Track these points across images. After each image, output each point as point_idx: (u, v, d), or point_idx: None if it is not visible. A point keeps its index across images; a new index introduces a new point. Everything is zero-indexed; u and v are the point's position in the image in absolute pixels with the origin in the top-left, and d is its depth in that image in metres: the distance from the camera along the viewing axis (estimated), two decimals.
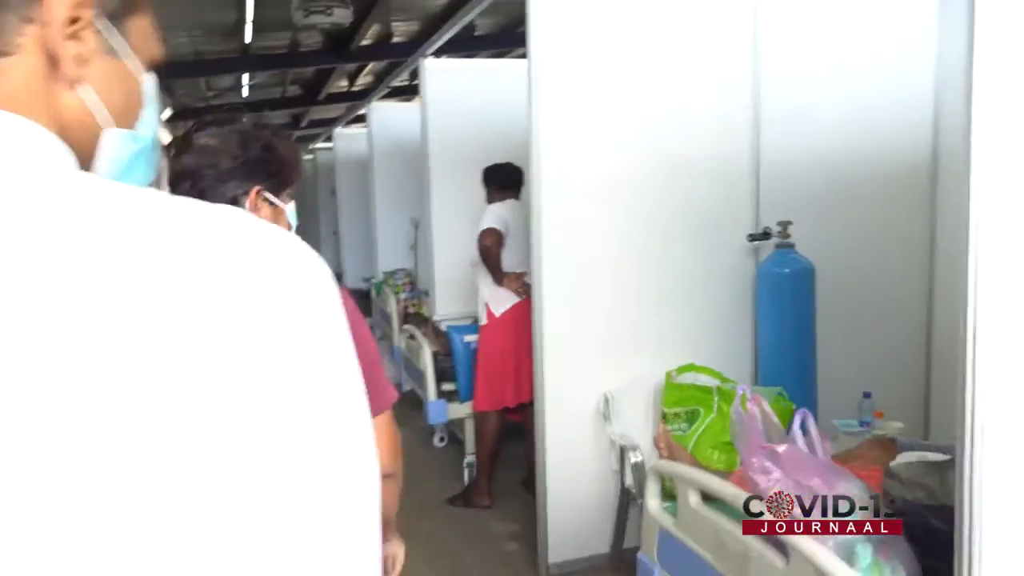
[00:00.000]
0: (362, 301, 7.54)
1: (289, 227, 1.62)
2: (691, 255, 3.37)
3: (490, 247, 3.82)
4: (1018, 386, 1.44)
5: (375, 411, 1.26)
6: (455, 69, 4.98)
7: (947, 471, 1.50)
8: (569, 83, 3.15)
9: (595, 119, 3.20)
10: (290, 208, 1.80)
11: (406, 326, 4.86)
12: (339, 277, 8.41)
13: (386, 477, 1.36)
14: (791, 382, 3.18)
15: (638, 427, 3.17)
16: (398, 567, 1.58)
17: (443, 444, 5.07)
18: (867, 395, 3.12)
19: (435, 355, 4.42)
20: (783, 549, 1.60)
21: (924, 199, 3.58)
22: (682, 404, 2.98)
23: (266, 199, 1.65)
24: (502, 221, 3.87)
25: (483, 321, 3.96)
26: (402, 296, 6.20)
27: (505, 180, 4.01)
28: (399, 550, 1.59)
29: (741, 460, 1.76)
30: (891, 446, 2.26)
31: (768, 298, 3.28)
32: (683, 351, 3.31)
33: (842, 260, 3.50)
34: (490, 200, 4.04)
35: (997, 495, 1.43)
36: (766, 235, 3.31)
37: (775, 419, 1.89)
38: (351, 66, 9.41)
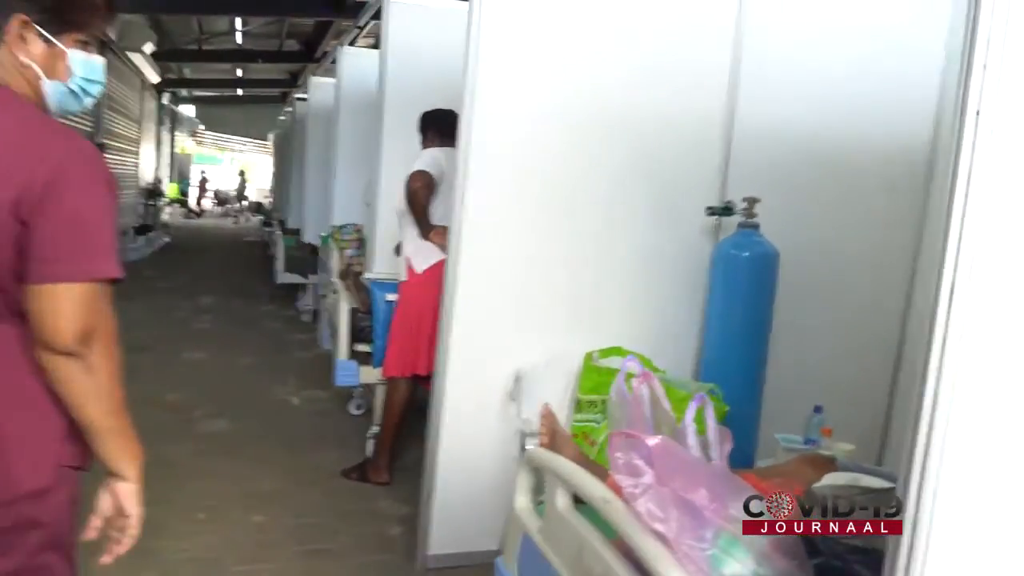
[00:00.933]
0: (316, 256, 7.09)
1: (70, 74, 1.38)
2: (641, 225, 2.91)
3: (417, 191, 3.35)
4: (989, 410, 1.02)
5: (72, 274, 1.21)
6: (422, 8, 4.44)
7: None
8: (516, 17, 2.68)
9: (541, 58, 2.73)
10: (78, 57, 1.43)
11: (333, 280, 4.38)
12: (297, 232, 7.98)
13: (67, 356, 1.23)
14: (733, 382, 2.73)
15: None
16: (131, 523, 1.37)
17: (359, 412, 4.60)
18: (818, 409, 2.67)
19: (354, 312, 3.96)
20: None
21: (916, 195, 3.12)
22: (599, 391, 2.52)
23: (39, 33, 1.36)
24: (436, 165, 3.40)
25: (403, 277, 3.49)
26: (347, 252, 5.71)
27: (446, 127, 3.49)
28: (127, 498, 1.35)
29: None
30: (827, 466, 1.81)
31: (722, 283, 2.82)
32: (616, 332, 2.85)
33: (812, 251, 3.04)
34: (426, 147, 3.57)
35: (945, 541, 0.99)
36: (728, 210, 2.85)
37: (668, 407, 1.42)
38: (348, 24, 8.89)
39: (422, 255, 3.40)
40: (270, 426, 4.34)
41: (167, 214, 20.15)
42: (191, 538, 2.94)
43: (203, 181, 23.84)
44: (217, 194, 25.91)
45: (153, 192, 16.27)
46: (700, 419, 1.27)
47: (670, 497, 1.09)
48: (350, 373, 3.85)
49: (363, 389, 4.47)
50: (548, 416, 1.79)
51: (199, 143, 29.95)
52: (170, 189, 21.90)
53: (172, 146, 22.64)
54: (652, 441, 1.13)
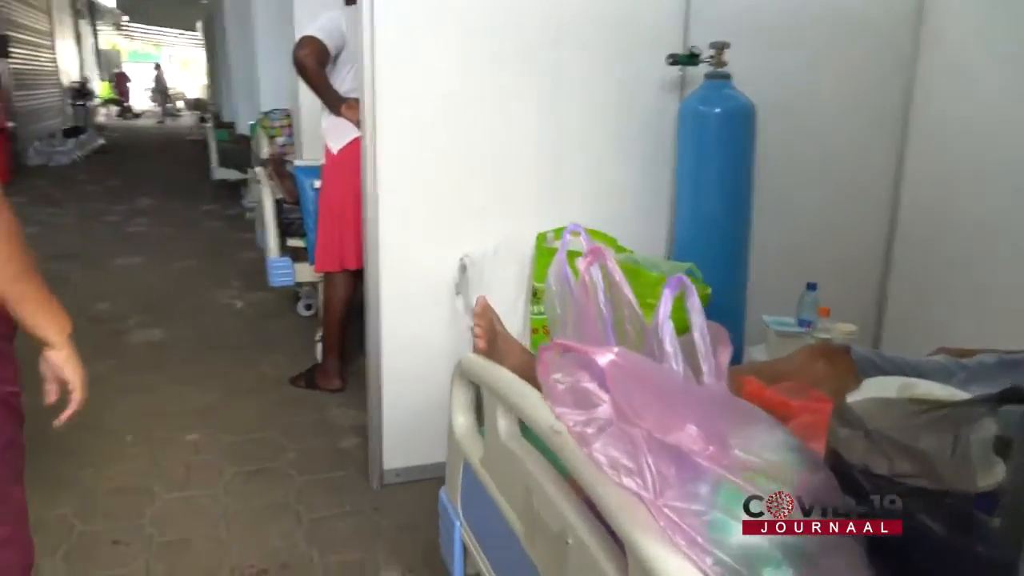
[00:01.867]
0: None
1: None
2: (594, 81, 2.52)
3: (303, 60, 2.86)
4: None
5: None
6: None
7: (968, 425, 0.76)
8: None
9: None
10: None
11: (257, 169, 3.94)
12: (232, 125, 7.35)
13: None
14: (712, 261, 2.43)
15: (505, 304, 2.40)
16: (73, 387, 1.36)
17: (310, 313, 4.27)
18: (811, 286, 2.40)
19: (280, 203, 3.55)
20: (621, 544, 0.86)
21: (904, 40, 2.74)
22: None
23: None
24: (332, 30, 2.88)
25: (321, 160, 3.08)
26: (279, 140, 5.21)
27: None
28: (61, 365, 1.33)
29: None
30: (841, 357, 1.52)
31: (692, 146, 2.47)
32: (575, 211, 2.51)
33: (792, 105, 2.70)
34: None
35: None
36: (693, 58, 2.46)
37: (632, 298, 1.08)
38: None
39: (335, 132, 2.98)
40: (210, 334, 4.00)
41: (102, 115, 18.97)
42: (116, 464, 2.64)
43: (120, 76, 22.13)
44: (161, 92, 24.46)
45: (81, 92, 15.14)
46: (680, 313, 0.95)
47: (642, 439, 0.78)
48: (284, 271, 3.49)
49: (309, 288, 4.13)
50: (484, 312, 1.45)
51: (129, 38, 28.01)
52: (102, 88, 20.54)
53: (96, 41, 21.06)
54: (604, 358, 0.81)
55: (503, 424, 1.24)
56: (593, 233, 2.36)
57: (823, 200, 2.83)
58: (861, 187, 2.84)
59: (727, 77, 2.44)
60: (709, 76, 2.46)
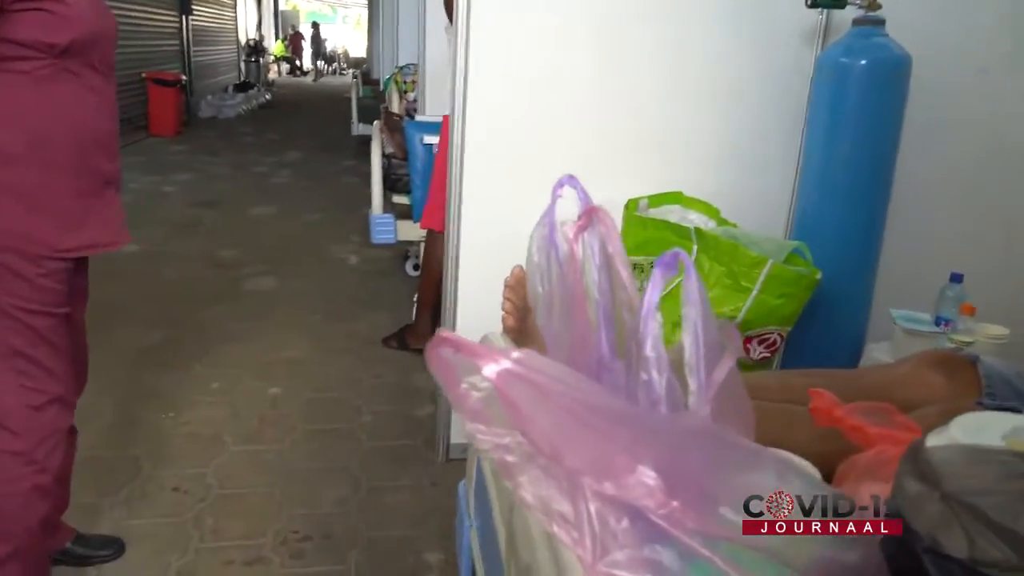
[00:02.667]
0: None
1: None
2: (717, 27, 2.17)
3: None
4: None
5: None
6: None
7: None
8: None
9: None
10: None
11: (375, 123, 3.84)
12: (377, 82, 7.45)
13: None
14: (838, 240, 2.06)
15: None
16: None
17: (417, 273, 4.17)
18: (956, 277, 1.97)
19: (389, 158, 3.43)
20: None
21: None
22: (645, 251, 1.92)
23: None
24: None
25: (440, 116, 2.90)
26: (410, 95, 5.15)
27: None
28: None
29: None
30: (964, 370, 1.16)
31: (828, 104, 2.09)
32: (678, 175, 2.20)
33: (959, 60, 2.22)
34: None
35: None
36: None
37: (625, 275, 0.78)
38: None
39: None
40: (319, 288, 4.00)
41: (274, 72, 20.02)
42: (196, 410, 2.64)
43: (295, 36, 23.22)
44: (325, 52, 25.59)
45: (255, 49, 16.01)
46: (673, 303, 0.67)
47: (565, 480, 0.52)
48: (386, 228, 3.38)
49: (419, 247, 4.03)
50: (518, 284, 1.20)
51: None
52: (276, 47, 21.68)
53: (276, 1, 22.21)
54: (495, 366, 0.54)
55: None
56: (691, 202, 2.04)
57: (984, 176, 2.33)
58: None
59: (880, 23, 2.03)
60: (858, 21, 2.05)
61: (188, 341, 3.20)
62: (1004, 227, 2.36)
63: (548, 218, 0.88)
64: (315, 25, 23.75)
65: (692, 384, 0.60)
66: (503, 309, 1.22)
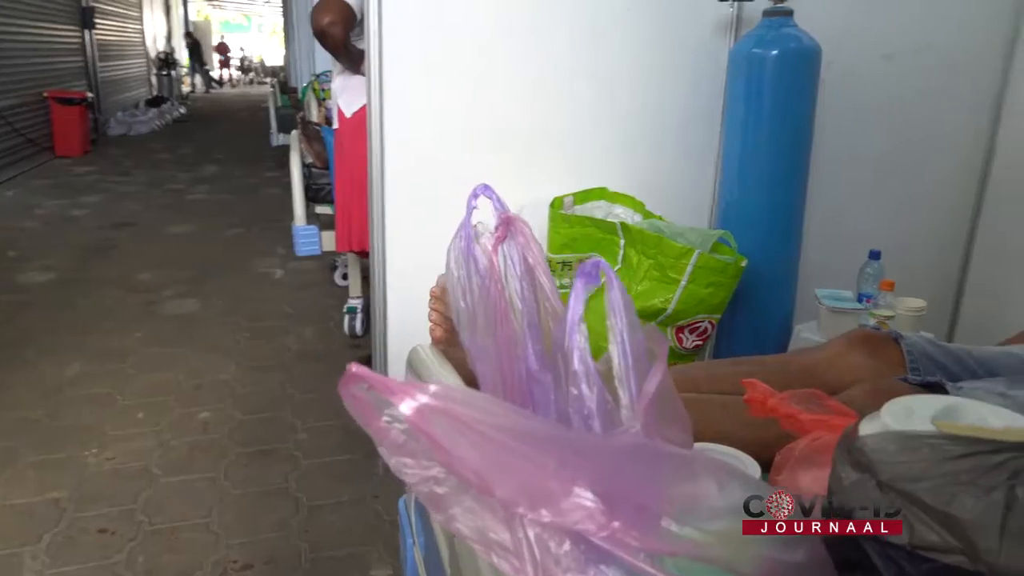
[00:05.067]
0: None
1: None
2: (631, 23, 2.18)
3: (329, 31, 2.45)
4: None
5: None
6: None
7: None
8: None
9: None
10: None
11: (292, 133, 3.75)
12: (295, 90, 7.20)
13: None
14: (761, 226, 2.09)
15: None
16: None
17: (347, 283, 4.09)
18: (874, 255, 2.03)
19: (309, 168, 3.35)
20: None
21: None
22: (572, 248, 1.91)
23: None
24: None
25: (334, 124, 2.83)
26: (329, 102, 5.04)
27: None
28: None
29: None
30: (887, 348, 1.18)
31: (743, 94, 2.11)
32: (602, 172, 2.21)
33: (868, 49, 2.29)
34: None
35: None
36: None
37: (547, 284, 0.76)
38: None
39: (350, 93, 2.71)
40: (244, 304, 3.88)
41: (188, 85, 19.41)
42: (121, 443, 2.52)
43: (221, 46, 22.80)
44: (242, 62, 24.99)
45: (166, 62, 15.47)
46: (597, 313, 0.65)
47: (500, 507, 0.51)
48: (311, 240, 3.30)
49: (346, 256, 3.95)
50: (443, 295, 1.18)
51: (217, 7, 28.62)
52: (188, 59, 21.02)
53: (186, 12, 21.54)
54: (411, 402, 0.49)
55: None
56: (616, 196, 2.05)
57: (893, 156, 2.41)
58: (944, 144, 2.42)
59: (789, 13, 2.06)
60: (768, 13, 2.09)
61: (108, 371, 3.06)
62: (914, 203, 2.45)
63: (464, 230, 0.85)
64: (223, 36, 23.34)
65: (623, 397, 0.59)
66: (430, 320, 1.19)
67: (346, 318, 3.34)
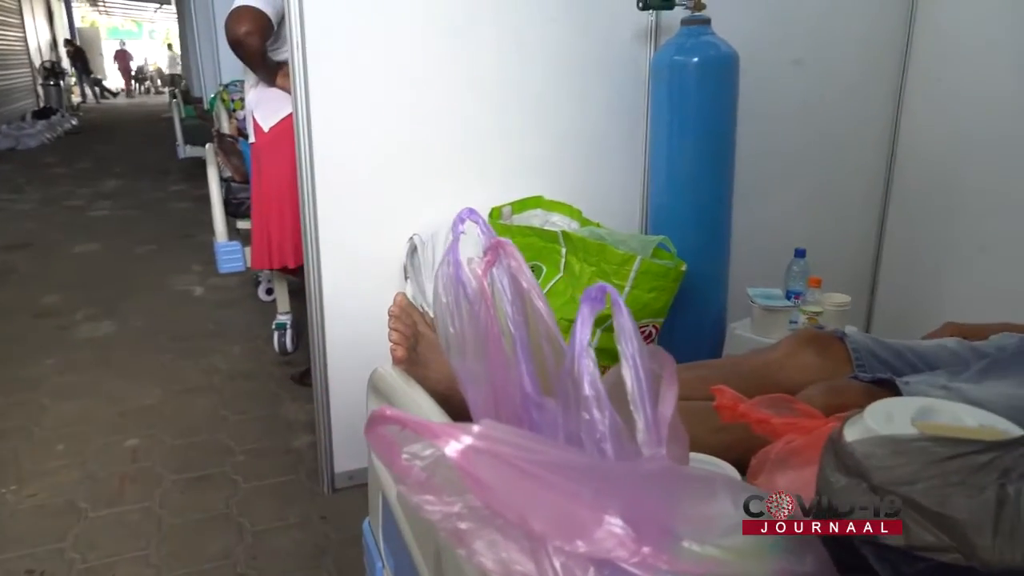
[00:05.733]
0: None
1: None
2: (555, 36, 2.22)
3: (245, 40, 2.39)
4: None
5: None
6: None
7: (1020, 476, 0.51)
8: None
9: None
10: None
11: (207, 146, 3.63)
12: (199, 101, 6.99)
13: None
14: (691, 229, 2.17)
15: None
16: None
17: (272, 298, 3.99)
18: (800, 253, 2.14)
19: (227, 182, 3.26)
20: None
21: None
22: None
23: None
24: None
25: (251, 139, 2.76)
26: (239, 114, 4.89)
27: None
28: None
29: None
30: (833, 346, 1.25)
31: (666, 101, 2.19)
32: (537, 181, 2.24)
33: (781, 54, 2.41)
34: None
35: None
36: (667, 1, 2.16)
37: (543, 308, 0.79)
38: None
39: (267, 106, 2.65)
40: (164, 324, 3.73)
41: (79, 96, 18.48)
42: (43, 479, 2.39)
43: (121, 54, 21.84)
44: (138, 71, 23.98)
45: (52, 72, 14.67)
46: (605, 335, 0.68)
47: (525, 539, 0.52)
48: (234, 256, 3.21)
49: (270, 271, 3.85)
50: (403, 313, 1.18)
51: (106, 14, 27.32)
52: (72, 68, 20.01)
53: (70, 18, 20.50)
54: (456, 445, 0.50)
55: None
56: (552, 204, 2.09)
57: (808, 156, 2.55)
58: (850, 145, 2.57)
59: (706, 22, 2.15)
60: (686, 21, 2.17)
61: (19, 403, 2.89)
62: (828, 202, 2.59)
63: (452, 256, 0.86)
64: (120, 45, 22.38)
65: (639, 421, 0.61)
66: (391, 340, 1.18)
67: (276, 335, 3.26)
